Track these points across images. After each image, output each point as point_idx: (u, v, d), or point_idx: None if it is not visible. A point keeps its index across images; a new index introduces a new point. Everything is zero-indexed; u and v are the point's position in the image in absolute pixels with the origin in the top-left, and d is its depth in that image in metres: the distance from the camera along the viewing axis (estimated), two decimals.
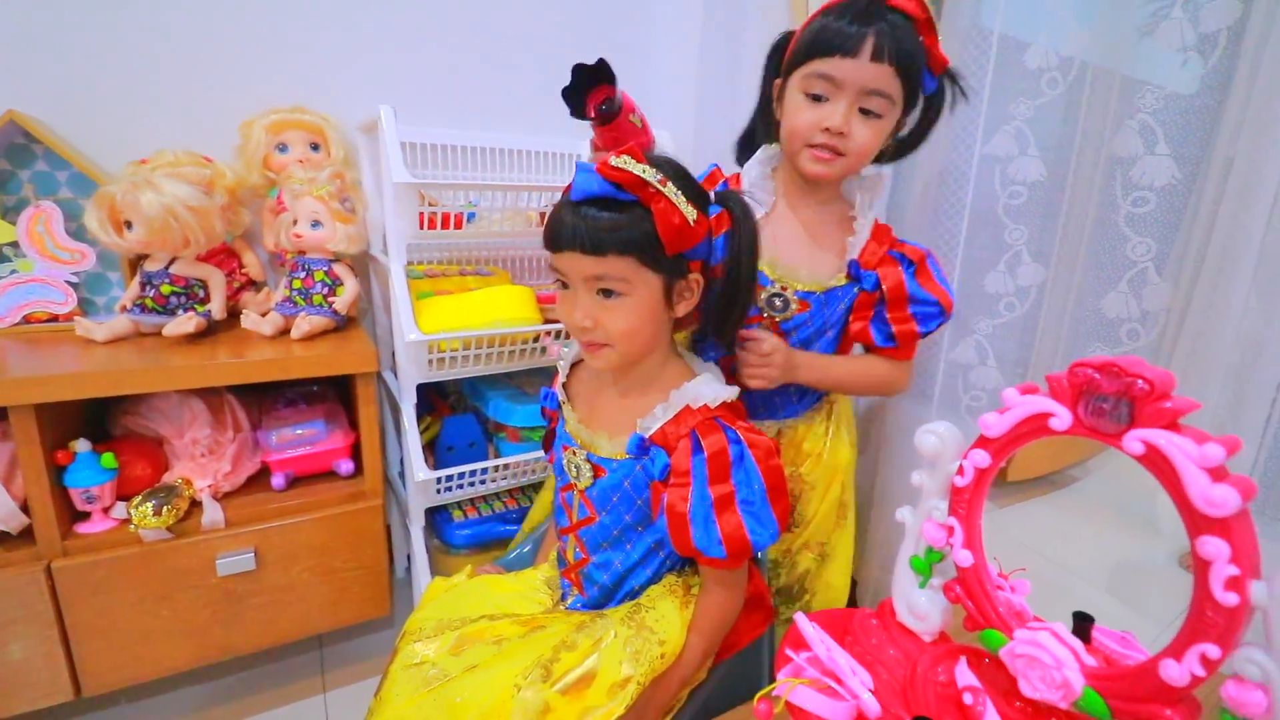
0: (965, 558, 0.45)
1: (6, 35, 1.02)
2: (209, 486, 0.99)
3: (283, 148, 1.16)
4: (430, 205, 1.06)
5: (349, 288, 1.10)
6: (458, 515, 1.24)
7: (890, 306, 0.82)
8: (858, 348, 0.90)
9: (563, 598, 0.80)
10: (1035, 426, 0.40)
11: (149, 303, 1.01)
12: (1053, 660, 0.40)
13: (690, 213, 0.62)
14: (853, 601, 1.10)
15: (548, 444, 0.88)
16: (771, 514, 0.64)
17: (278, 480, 1.04)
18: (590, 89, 0.85)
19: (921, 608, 0.49)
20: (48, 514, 0.86)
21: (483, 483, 1.18)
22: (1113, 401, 0.37)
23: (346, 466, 1.09)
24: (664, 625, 0.69)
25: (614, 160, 0.60)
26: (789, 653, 0.47)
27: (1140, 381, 0.35)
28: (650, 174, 0.60)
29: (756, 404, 0.89)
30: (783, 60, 0.79)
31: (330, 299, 1.08)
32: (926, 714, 0.41)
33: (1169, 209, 0.83)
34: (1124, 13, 0.84)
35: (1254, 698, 0.32)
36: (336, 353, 1.00)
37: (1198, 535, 0.34)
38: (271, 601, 1.01)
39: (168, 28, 1.11)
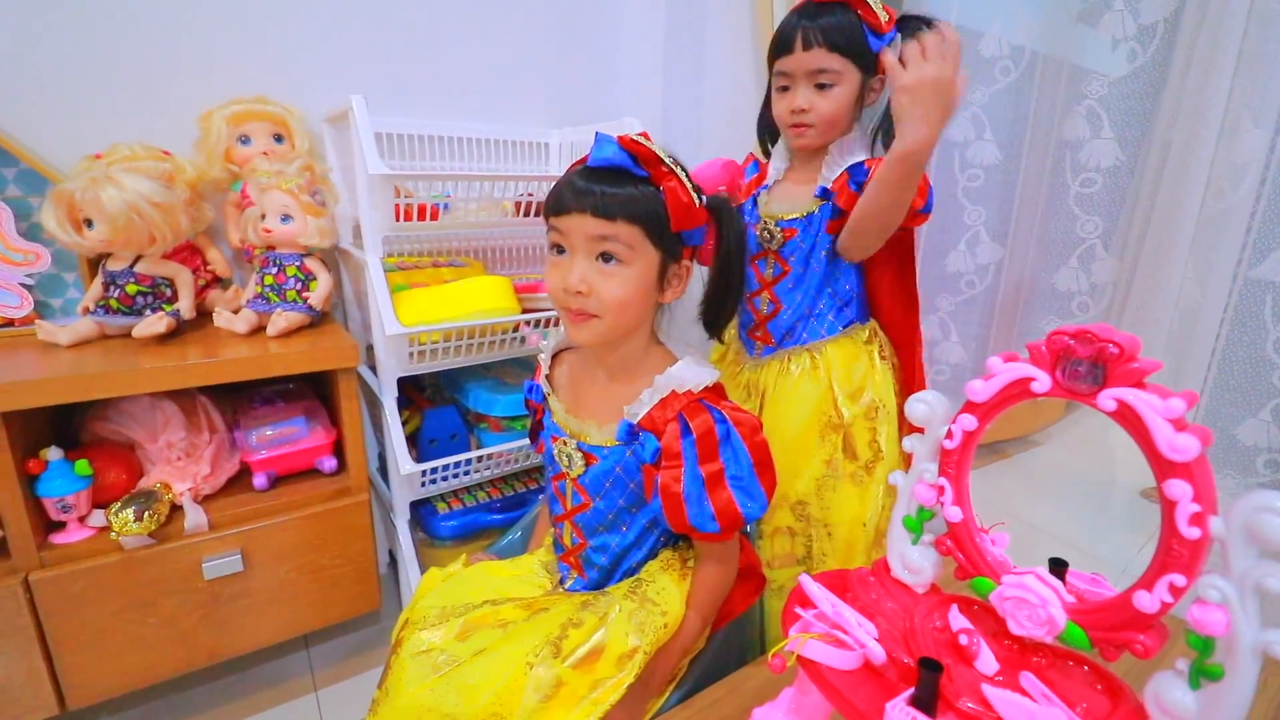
0: (955, 513, 0.50)
1: None
2: (189, 490, 0.97)
3: (245, 140, 1.13)
4: (405, 197, 1.06)
5: (323, 282, 1.09)
6: (442, 508, 1.24)
7: (849, 211, 0.89)
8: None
9: (561, 581, 0.82)
10: (1018, 390, 0.44)
11: (114, 304, 0.97)
12: (1038, 599, 0.44)
13: (696, 197, 0.65)
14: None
15: (534, 435, 0.90)
16: (760, 486, 0.68)
17: (260, 480, 1.02)
18: None
19: (915, 562, 0.53)
20: (22, 525, 0.83)
21: (467, 474, 1.19)
22: (1087, 365, 0.41)
23: (329, 463, 1.08)
24: (665, 597, 0.72)
25: (634, 137, 0.63)
26: (797, 610, 0.51)
27: (1111, 345, 0.40)
28: (665, 154, 0.64)
29: (783, 330, 0.98)
30: None
31: (304, 294, 1.06)
32: (928, 656, 0.45)
33: (1114, 189, 0.89)
34: (1069, 3, 0.89)
35: (1215, 618, 0.37)
36: (316, 348, 0.99)
37: (1164, 479, 0.38)
38: (261, 602, 1.00)
39: (118, 13, 1.06)
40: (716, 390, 0.73)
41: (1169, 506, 0.38)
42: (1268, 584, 0.35)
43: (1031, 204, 0.97)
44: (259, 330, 1.04)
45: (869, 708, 0.45)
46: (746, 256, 0.74)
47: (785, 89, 0.92)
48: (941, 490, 0.50)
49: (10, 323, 0.99)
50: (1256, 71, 0.73)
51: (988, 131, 1.00)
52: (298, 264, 1.07)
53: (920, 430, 0.52)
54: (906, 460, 0.53)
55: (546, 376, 0.80)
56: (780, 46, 0.90)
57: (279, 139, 1.16)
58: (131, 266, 0.98)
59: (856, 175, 0.88)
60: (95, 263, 1.02)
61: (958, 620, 0.49)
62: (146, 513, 0.89)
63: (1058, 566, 0.51)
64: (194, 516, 0.93)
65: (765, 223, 0.97)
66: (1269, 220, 0.78)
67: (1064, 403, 1.39)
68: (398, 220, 1.04)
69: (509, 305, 1.14)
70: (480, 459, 1.18)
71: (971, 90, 0.98)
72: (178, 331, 1.00)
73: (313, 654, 1.22)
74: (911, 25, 0.86)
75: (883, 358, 0.98)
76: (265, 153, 1.13)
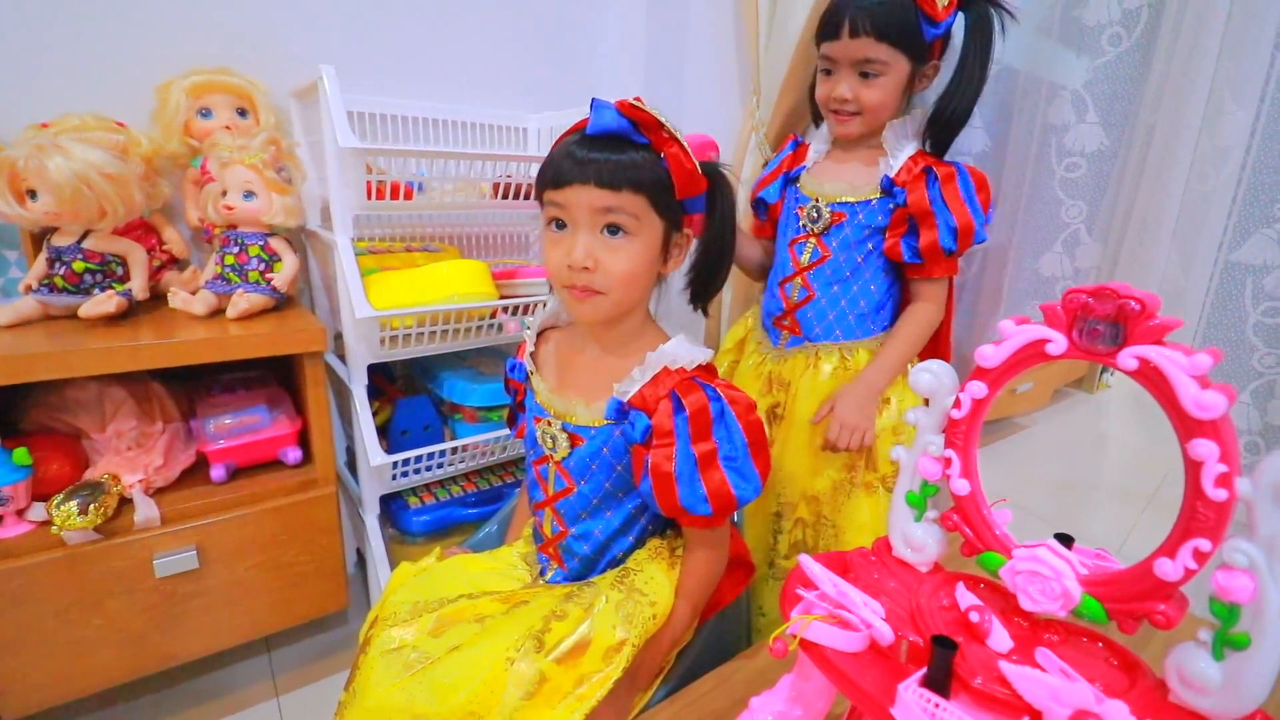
0: (963, 486, 0.48)
1: None
2: (140, 482, 0.90)
3: (205, 113, 1.07)
4: (378, 175, 1.01)
5: (288, 263, 1.03)
6: (414, 502, 1.19)
7: (919, 220, 0.85)
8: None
9: (541, 573, 0.79)
10: (1032, 353, 0.43)
11: (59, 281, 0.90)
12: (1052, 572, 0.42)
13: (697, 163, 0.63)
14: None
15: (513, 419, 0.86)
16: (754, 468, 0.66)
17: (218, 472, 0.96)
18: None
19: (918, 540, 0.51)
20: None
21: (440, 466, 1.14)
22: (1106, 324, 0.39)
23: (294, 454, 1.02)
24: (653, 587, 0.69)
25: (633, 101, 0.60)
26: (800, 591, 0.48)
27: (1132, 302, 0.38)
28: (666, 119, 0.61)
29: (813, 323, 0.94)
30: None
31: (268, 275, 1.01)
32: (938, 634, 0.42)
33: (1098, 174, 0.89)
34: None
35: (1241, 583, 0.35)
36: (280, 332, 0.94)
37: (1189, 439, 0.36)
38: (217, 602, 0.94)
39: None
40: (709, 370, 0.70)
41: (1194, 468, 0.36)
42: None
43: (1015, 189, 0.97)
44: (218, 313, 0.98)
45: (878, 690, 0.43)
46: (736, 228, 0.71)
47: (829, 72, 0.88)
48: (948, 462, 0.48)
49: None
50: (1239, 53, 0.74)
51: (977, 119, 0.99)
52: (261, 244, 1.01)
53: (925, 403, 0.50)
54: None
55: (531, 354, 0.77)
56: (827, 30, 0.85)
57: (243, 113, 1.10)
58: (79, 242, 0.91)
59: (933, 184, 0.84)
60: (40, 238, 0.95)
61: (966, 597, 0.47)
62: (92, 505, 0.82)
63: (1064, 541, 0.49)
64: (145, 510, 0.87)
65: (816, 202, 0.92)
66: (1249, 203, 0.79)
67: (1050, 390, 1.40)
68: (369, 199, 0.99)
69: (486, 290, 1.10)
70: (455, 451, 1.14)
71: None
72: (129, 313, 0.93)
73: (274, 658, 1.16)
74: (978, 4, 0.82)
75: None
76: (228, 127, 1.07)
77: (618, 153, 0.61)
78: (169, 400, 1.01)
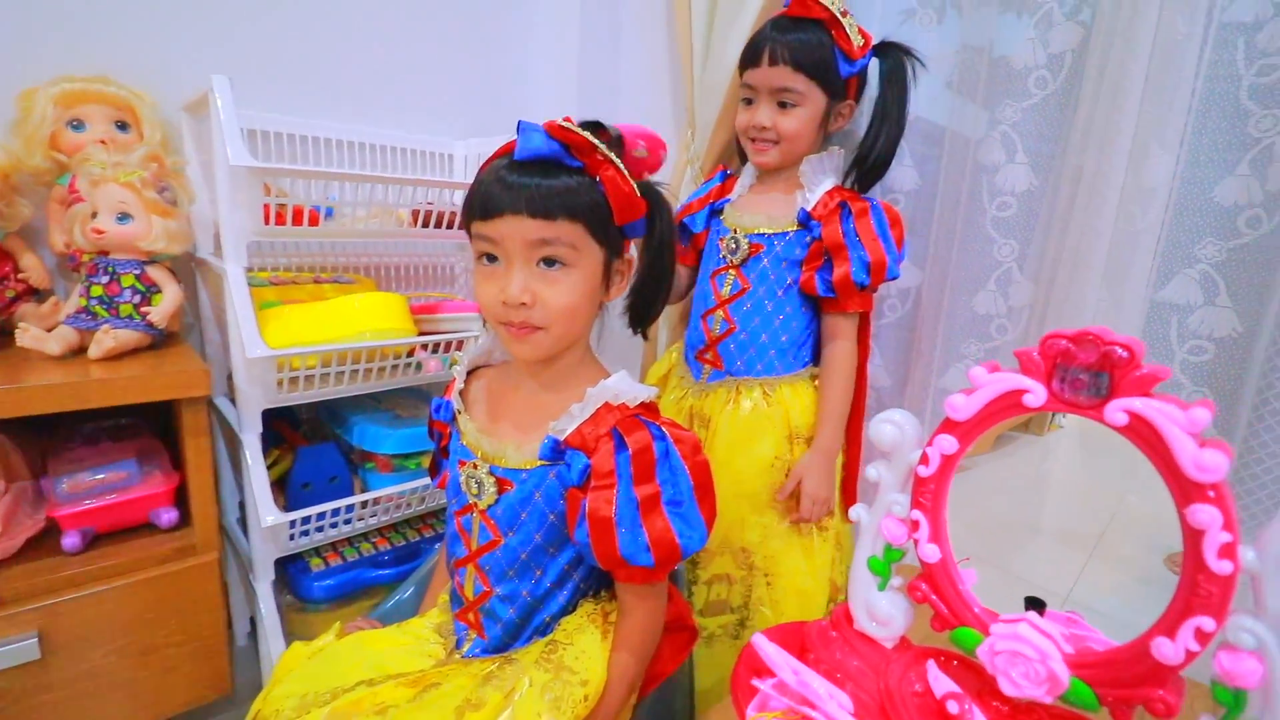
0: (932, 553, 0.43)
1: None
2: None
3: (77, 125, 0.94)
4: (279, 197, 0.91)
5: (169, 295, 0.90)
6: (317, 564, 1.06)
7: (832, 254, 0.86)
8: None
9: (457, 645, 0.69)
10: (1007, 404, 0.38)
11: None
12: (1036, 653, 0.37)
13: (634, 184, 0.58)
14: None
15: (435, 467, 0.77)
16: (700, 514, 0.60)
17: (70, 540, 0.81)
18: None
19: (883, 612, 0.45)
20: None
21: (348, 522, 1.02)
22: (1090, 373, 0.35)
23: (168, 516, 0.88)
24: (585, 663, 0.61)
25: (562, 122, 0.55)
26: (755, 683, 0.42)
27: (1119, 349, 0.34)
28: (599, 141, 0.57)
29: (734, 356, 0.93)
30: None
31: (143, 309, 0.88)
32: None
33: (1029, 213, 0.90)
34: (984, 32, 0.90)
35: (1248, 667, 0.31)
36: (154, 374, 0.81)
37: (1188, 504, 0.32)
38: (66, 698, 0.78)
39: None
40: (651, 409, 0.65)
41: (1194, 537, 0.32)
42: None
43: (948, 228, 0.96)
44: (80, 352, 0.84)
45: None
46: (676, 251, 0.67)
47: (750, 101, 0.90)
48: (915, 525, 0.43)
49: None
50: (1161, 97, 0.76)
51: (908, 157, 0.99)
52: (137, 273, 0.88)
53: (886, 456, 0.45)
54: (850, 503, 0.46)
55: (460, 392, 0.69)
56: (748, 58, 0.88)
57: (123, 127, 0.98)
58: None
59: (847, 218, 0.86)
60: None
61: (940, 682, 0.41)
62: None
63: (1035, 606, 0.45)
64: None
65: (734, 233, 0.93)
66: (1173, 244, 0.80)
67: (994, 435, 1.41)
68: (267, 224, 0.88)
69: (403, 326, 1.00)
70: (366, 505, 1.02)
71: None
72: None
73: None
74: (891, 53, 0.86)
75: None
76: (103, 141, 0.94)
77: (550, 178, 0.56)
78: (15, 455, 0.86)
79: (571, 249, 0.58)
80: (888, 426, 0.44)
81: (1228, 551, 0.32)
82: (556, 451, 0.61)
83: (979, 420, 0.40)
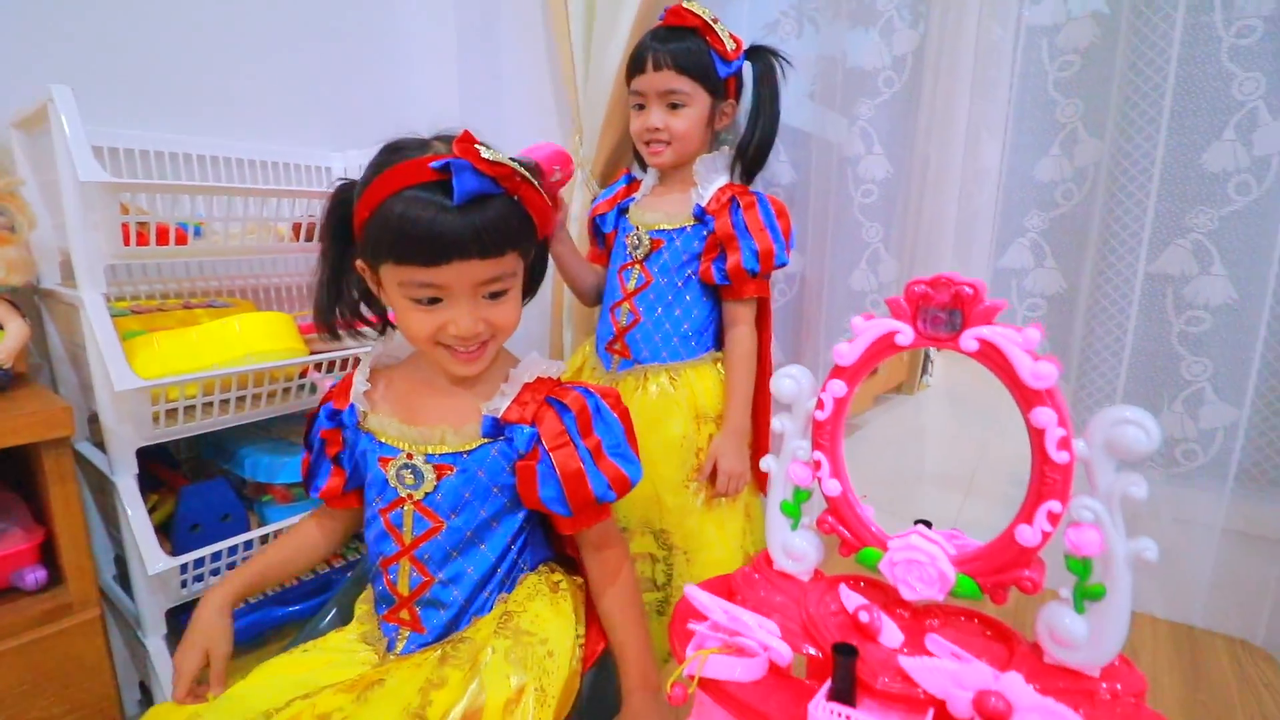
0: (834, 487, 0.47)
1: None
2: None
3: None
4: (138, 215, 0.84)
5: (12, 332, 0.81)
6: None
7: (725, 245, 0.92)
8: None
9: (389, 647, 0.67)
10: (883, 346, 0.44)
11: None
12: (927, 557, 0.43)
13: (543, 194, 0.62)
14: None
15: (312, 477, 0.73)
16: (633, 452, 0.67)
17: None
18: None
19: (798, 549, 0.50)
20: None
21: (246, 560, 0.95)
22: (945, 312, 0.41)
23: (34, 576, 0.79)
24: (540, 625, 0.63)
25: (485, 155, 0.56)
26: (692, 626, 0.44)
27: (966, 288, 0.40)
28: (509, 159, 0.59)
29: (640, 345, 0.97)
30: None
31: None
32: (834, 641, 0.41)
33: (888, 198, 1.00)
34: (837, 43, 1.00)
35: (1090, 537, 0.38)
36: (4, 417, 0.73)
37: (1030, 409, 0.39)
38: None
39: None
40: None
41: (1038, 435, 0.39)
42: (1131, 492, 0.37)
43: (824, 214, 1.05)
44: None
45: (786, 716, 0.40)
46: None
47: (641, 107, 0.96)
48: (818, 465, 0.48)
49: None
50: (985, 92, 0.88)
51: (783, 154, 1.08)
52: None
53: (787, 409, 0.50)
54: (761, 481, 0.51)
55: (365, 394, 0.68)
56: (634, 67, 0.94)
57: None
58: None
59: (736, 211, 0.92)
60: None
61: (851, 598, 0.46)
62: None
63: (924, 525, 0.51)
64: None
65: (637, 230, 0.99)
66: (1006, 218, 0.92)
67: (872, 396, 1.54)
68: (128, 244, 0.81)
69: (292, 346, 0.95)
70: (265, 540, 0.95)
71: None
72: None
73: None
74: (762, 56, 0.94)
75: None
76: None
77: (487, 213, 0.57)
78: None
79: (513, 275, 0.63)
80: (786, 381, 0.49)
81: (1064, 444, 0.38)
82: (496, 429, 0.64)
83: (862, 363, 0.45)
